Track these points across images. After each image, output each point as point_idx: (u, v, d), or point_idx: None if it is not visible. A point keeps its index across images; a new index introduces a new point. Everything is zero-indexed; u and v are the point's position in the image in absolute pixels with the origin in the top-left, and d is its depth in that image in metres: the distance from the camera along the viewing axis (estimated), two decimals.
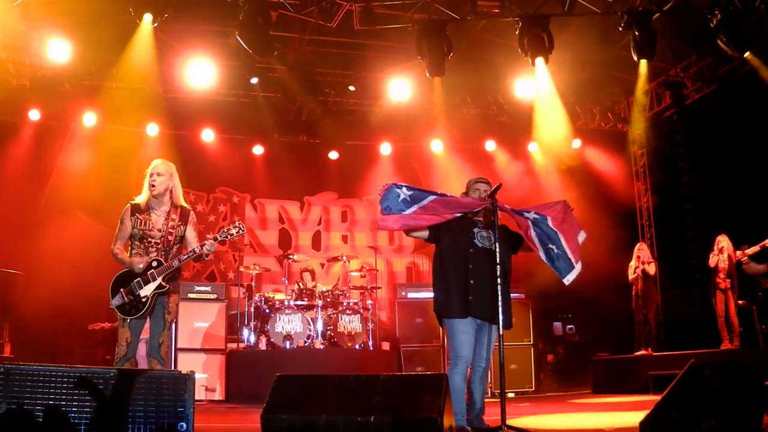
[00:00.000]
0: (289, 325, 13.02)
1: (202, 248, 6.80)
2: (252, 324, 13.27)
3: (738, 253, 11.63)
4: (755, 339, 12.45)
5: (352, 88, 15.23)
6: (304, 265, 14.42)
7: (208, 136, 15.59)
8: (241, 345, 13.32)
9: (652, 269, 13.40)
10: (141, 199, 7.06)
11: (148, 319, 6.84)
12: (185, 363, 12.37)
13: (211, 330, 12.85)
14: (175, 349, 12.49)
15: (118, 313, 6.75)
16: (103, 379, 4.44)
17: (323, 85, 15.26)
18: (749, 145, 13.11)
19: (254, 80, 14.40)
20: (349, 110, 15.86)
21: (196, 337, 12.71)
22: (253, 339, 13.15)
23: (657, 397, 5.44)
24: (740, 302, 12.60)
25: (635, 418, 5.61)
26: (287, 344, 12.82)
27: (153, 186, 6.98)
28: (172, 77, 14.03)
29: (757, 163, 12.89)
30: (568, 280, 6.42)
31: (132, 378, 4.54)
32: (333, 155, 16.43)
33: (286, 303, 13.36)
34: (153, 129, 15.10)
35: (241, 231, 7.07)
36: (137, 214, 6.96)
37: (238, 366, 12.69)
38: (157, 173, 7.03)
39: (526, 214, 6.56)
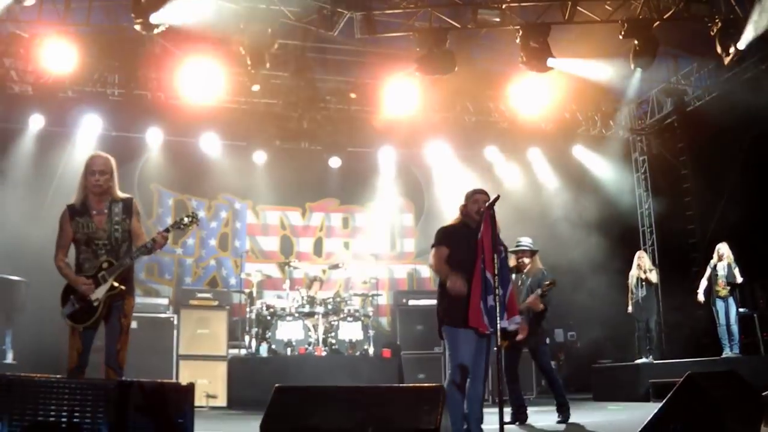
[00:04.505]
0: (290, 332, 13.06)
1: (154, 243, 6.36)
2: (253, 331, 13.29)
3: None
4: (756, 347, 12.46)
5: (353, 95, 15.26)
6: (312, 275, 14.48)
7: (209, 142, 15.60)
8: (243, 351, 13.36)
9: (653, 277, 13.38)
10: (77, 199, 6.51)
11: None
12: (187, 370, 12.42)
13: (213, 336, 12.90)
14: (177, 356, 12.54)
15: (70, 323, 6.29)
16: (104, 390, 4.47)
17: (324, 92, 15.26)
18: (750, 151, 13.14)
19: (256, 87, 14.42)
20: (351, 117, 15.86)
21: (198, 344, 12.76)
22: (254, 345, 13.18)
23: (657, 405, 5.46)
24: (741, 310, 12.61)
25: (634, 426, 5.63)
26: (288, 351, 12.85)
27: (98, 185, 6.43)
28: (173, 84, 14.02)
29: (758, 170, 12.91)
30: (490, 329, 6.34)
31: (132, 390, 4.57)
32: (334, 162, 16.39)
33: (287, 310, 13.40)
34: (155, 135, 15.14)
35: (194, 220, 6.60)
36: (77, 218, 6.42)
37: (240, 372, 12.74)
38: (100, 171, 6.47)
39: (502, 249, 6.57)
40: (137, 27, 10.85)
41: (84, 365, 6.26)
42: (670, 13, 11.75)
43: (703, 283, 13.00)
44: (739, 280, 12.44)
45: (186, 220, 6.62)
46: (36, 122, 14.19)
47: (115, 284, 6.30)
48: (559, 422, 9.15)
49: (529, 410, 9.58)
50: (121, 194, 6.63)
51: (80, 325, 6.27)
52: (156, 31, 11.03)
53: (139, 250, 6.40)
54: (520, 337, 8.18)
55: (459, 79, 13.19)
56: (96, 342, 6.39)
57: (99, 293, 6.27)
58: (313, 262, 16.29)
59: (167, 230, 6.54)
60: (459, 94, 15.43)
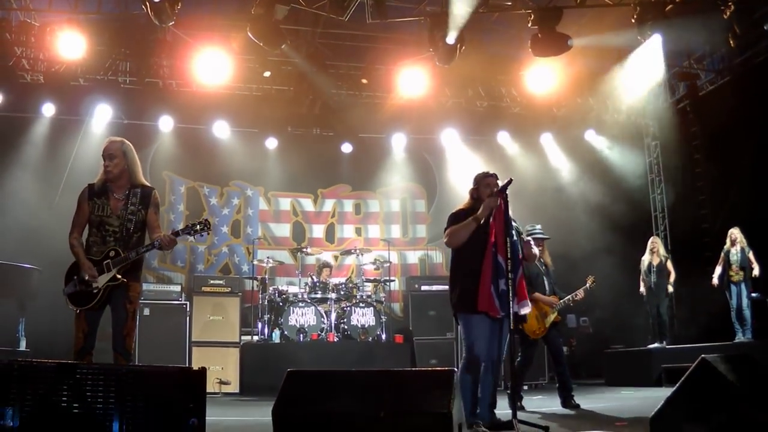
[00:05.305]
0: (302, 318, 13.08)
1: (161, 245, 6.34)
2: (266, 317, 13.32)
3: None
4: None
5: (364, 80, 15.22)
6: (322, 260, 14.49)
7: (221, 129, 15.59)
8: (256, 338, 13.39)
9: (670, 266, 13.36)
10: (99, 180, 6.54)
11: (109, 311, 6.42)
12: (200, 356, 12.46)
13: (226, 323, 12.94)
14: (190, 343, 12.59)
15: (69, 303, 6.30)
16: (115, 375, 4.47)
17: (336, 78, 15.22)
18: (764, 135, 13.05)
19: (267, 73, 14.42)
20: (362, 103, 15.79)
21: (210, 331, 12.81)
22: (267, 332, 13.21)
23: (670, 390, 5.43)
24: (753, 295, 12.55)
25: (647, 411, 5.61)
26: (301, 337, 12.87)
27: (108, 171, 6.45)
28: (185, 71, 14.01)
29: None
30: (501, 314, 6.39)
31: (144, 374, 4.57)
32: (346, 148, 16.38)
33: (299, 296, 13.41)
34: (166, 123, 15.14)
35: (206, 227, 6.58)
36: (95, 198, 6.45)
37: (253, 359, 12.77)
38: (108, 156, 6.49)
39: (514, 233, 6.56)
40: (154, 20, 10.81)
41: (90, 347, 6.26)
42: None
43: (718, 269, 12.95)
44: (756, 269, 12.42)
45: (198, 227, 6.59)
46: (48, 111, 14.19)
47: (118, 276, 6.27)
48: (575, 407, 9.09)
49: (541, 396, 9.57)
50: (143, 182, 6.64)
51: (77, 307, 6.26)
52: (170, 22, 11.01)
53: (145, 247, 6.41)
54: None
55: (470, 64, 13.16)
56: (106, 329, 6.39)
57: (101, 281, 6.25)
58: (325, 248, 16.30)
59: (177, 233, 6.51)
60: (471, 80, 15.36)
